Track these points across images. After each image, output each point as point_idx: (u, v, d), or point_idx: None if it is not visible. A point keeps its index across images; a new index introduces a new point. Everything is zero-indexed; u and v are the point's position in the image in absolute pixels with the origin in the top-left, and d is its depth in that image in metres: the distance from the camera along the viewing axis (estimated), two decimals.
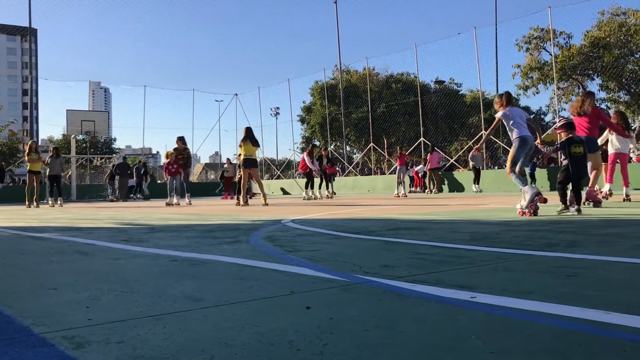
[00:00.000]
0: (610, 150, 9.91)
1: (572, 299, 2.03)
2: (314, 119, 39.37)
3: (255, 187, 19.93)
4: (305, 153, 17.37)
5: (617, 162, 9.92)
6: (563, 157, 6.82)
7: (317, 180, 17.79)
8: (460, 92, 35.68)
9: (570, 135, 6.79)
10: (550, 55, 25.43)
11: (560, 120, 7.22)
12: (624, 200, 9.51)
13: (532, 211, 6.38)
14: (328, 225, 6.09)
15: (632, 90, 26.96)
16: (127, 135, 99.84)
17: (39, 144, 28.55)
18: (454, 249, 3.63)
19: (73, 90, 34.53)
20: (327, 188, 18.34)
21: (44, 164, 17.09)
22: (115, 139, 52.03)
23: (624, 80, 26.75)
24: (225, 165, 24.12)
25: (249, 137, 13.03)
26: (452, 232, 4.93)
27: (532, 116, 33.11)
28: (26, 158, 16.58)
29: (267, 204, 12.39)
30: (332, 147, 33.58)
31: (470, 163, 20.15)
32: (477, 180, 19.58)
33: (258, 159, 13.61)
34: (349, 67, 39.88)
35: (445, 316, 1.87)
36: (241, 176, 13.25)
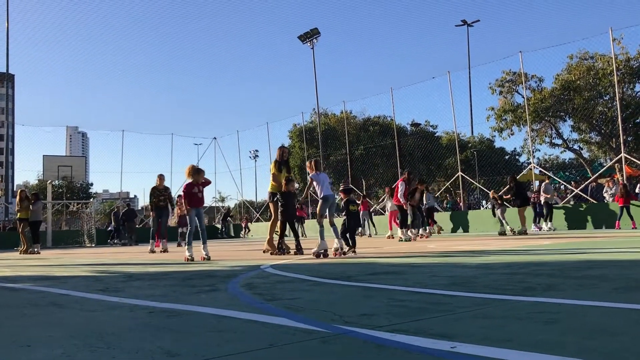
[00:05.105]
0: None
1: (552, 347, 2.04)
2: (292, 162, 39.43)
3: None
4: (400, 181, 14.70)
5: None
6: (343, 212, 9.11)
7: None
8: (436, 134, 36.18)
9: (347, 197, 9.19)
10: (523, 97, 26.03)
11: (341, 185, 9.67)
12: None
13: (320, 256, 8.25)
14: (307, 270, 6.05)
15: (602, 131, 27.62)
16: (104, 179, 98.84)
17: (14, 189, 28.13)
18: (434, 295, 3.63)
19: (50, 136, 34.23)
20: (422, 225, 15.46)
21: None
22: (92, 184, 51.54)
23: (594, 122, 27.41)
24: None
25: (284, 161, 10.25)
26: (431, 277, 4.93)
27: (507, 157, 34.01)
28: (18, 207, 16.22)
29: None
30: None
31: (543, 197, 17.15)
32: (549, 216, 17.15)
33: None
34: (327, 111, 40.31)
35: None
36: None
